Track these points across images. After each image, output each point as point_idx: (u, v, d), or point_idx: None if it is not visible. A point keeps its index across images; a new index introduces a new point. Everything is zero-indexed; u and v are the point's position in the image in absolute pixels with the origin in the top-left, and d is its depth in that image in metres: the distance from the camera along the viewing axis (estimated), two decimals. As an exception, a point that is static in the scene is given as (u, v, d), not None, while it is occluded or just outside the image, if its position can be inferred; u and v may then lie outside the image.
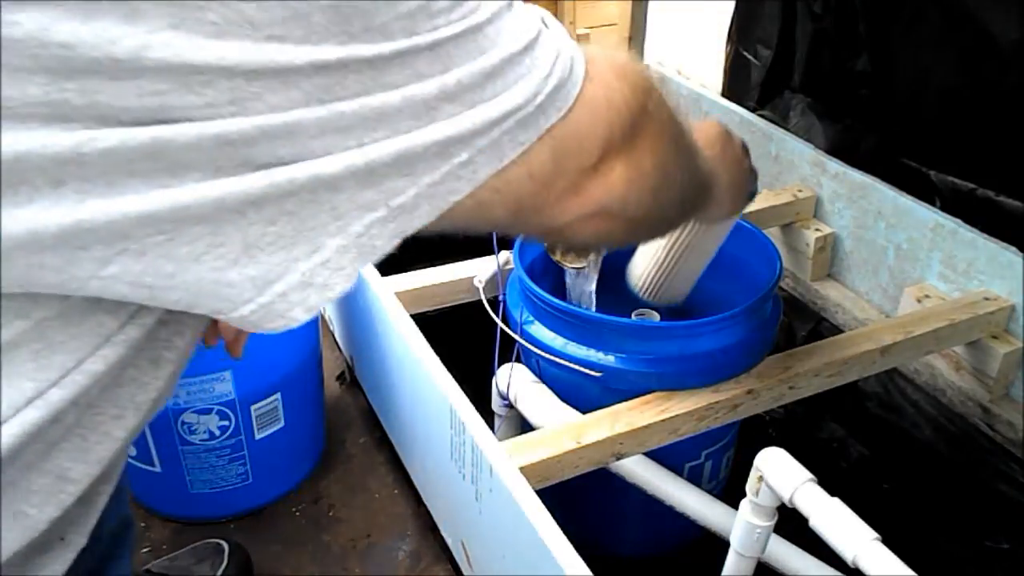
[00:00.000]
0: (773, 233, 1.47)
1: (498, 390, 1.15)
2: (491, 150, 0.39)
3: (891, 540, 0.74)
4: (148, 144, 0.32)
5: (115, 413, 0.43)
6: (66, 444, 0.41)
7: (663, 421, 0.99)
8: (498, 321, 1.12)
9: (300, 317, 0.38)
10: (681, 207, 0.58)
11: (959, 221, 1.25)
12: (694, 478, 1.13)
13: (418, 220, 0.39)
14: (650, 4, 1.70)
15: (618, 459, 1.00)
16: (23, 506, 0.40)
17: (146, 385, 0.44)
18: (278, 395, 1.16)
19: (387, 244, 0.38)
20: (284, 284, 0.36)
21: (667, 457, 1.09)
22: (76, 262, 0.33)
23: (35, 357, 0.36)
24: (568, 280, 1.16)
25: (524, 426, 1.13)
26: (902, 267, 1.34)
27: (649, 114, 0.46)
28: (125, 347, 0.40)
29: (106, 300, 0.36)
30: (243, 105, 0.32)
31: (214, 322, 0.83)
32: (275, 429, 1.18)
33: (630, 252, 1.25)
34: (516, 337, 1.09)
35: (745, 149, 0.81)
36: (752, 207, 1.41)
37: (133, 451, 1.14)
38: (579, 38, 2.35)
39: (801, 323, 1.50)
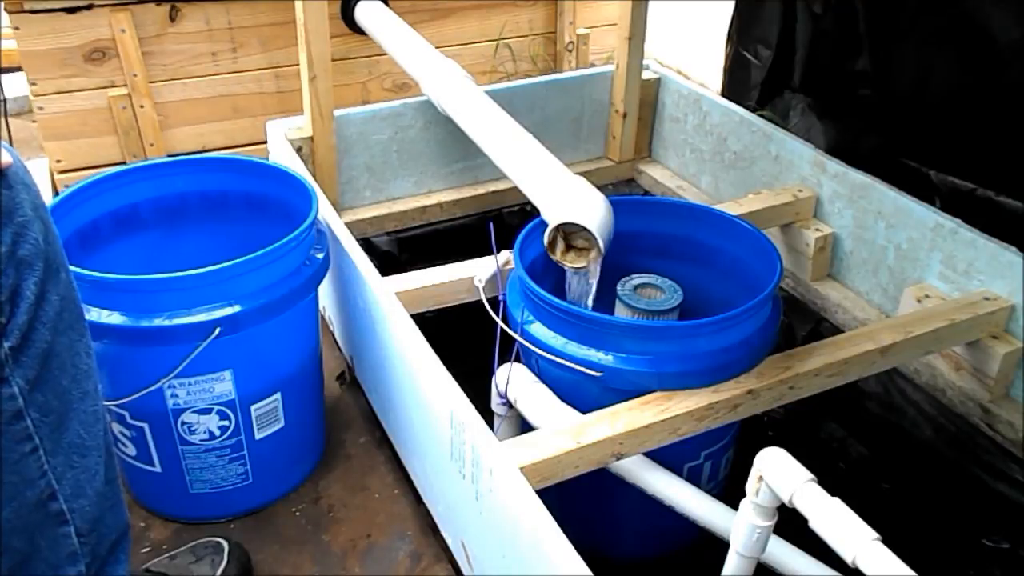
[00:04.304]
0: (773, 233, 1.47)
1: (498, 390, 1.15)
2: None
3: (891, 540, 0.74)
4: None
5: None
6: None
7: (663, 421, 0.99)
8: (498, 321, 1.12)
9: None
10: None
11: (959, 221, 1.25)
12: (693, 479, 1.13)
13: None
14: (650, 4, 1.69)
15: (618, 459, 1.00)
16: None
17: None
18: (278, 395, 1.16)
19: None
20: None
21: (666, 458, 1.09)
22: None
23: None
24: (568, 280, 1.17)
25: (524, 426, 1.13)
26: (902, 267, 1.34)
27: None
28: None
29: None
30: None
31: None
32: (275, 429, 1.18)
33: (631, 251, 1.26)
34: (516, 337, 1.09)
35: None
36: (752, 207, 1.42)
37: (133, 451, 1.14)
38: (579, 38, 2.35)
39: (801, 323, 1.50)
